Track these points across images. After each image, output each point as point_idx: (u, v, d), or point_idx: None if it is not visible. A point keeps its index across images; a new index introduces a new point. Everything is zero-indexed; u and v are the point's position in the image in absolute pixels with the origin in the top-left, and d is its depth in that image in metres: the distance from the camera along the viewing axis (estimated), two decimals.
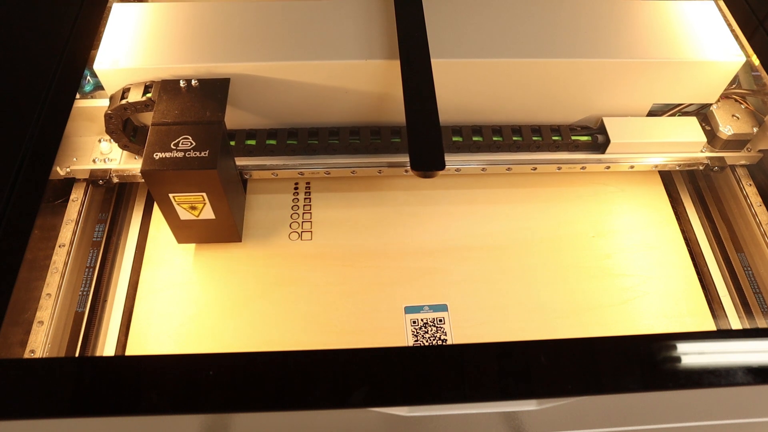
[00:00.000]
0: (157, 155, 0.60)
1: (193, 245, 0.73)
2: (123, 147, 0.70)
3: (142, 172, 0.60)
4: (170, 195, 0.63)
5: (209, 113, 0.63)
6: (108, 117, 0.66)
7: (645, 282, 0.72)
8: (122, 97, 0.65)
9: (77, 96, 0.70)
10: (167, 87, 0.65)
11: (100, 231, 0.75)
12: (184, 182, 0.61)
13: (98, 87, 0.72)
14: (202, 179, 0.61)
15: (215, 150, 0.60)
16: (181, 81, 0.65)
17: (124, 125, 0.67)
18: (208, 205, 0.64)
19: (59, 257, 0.66)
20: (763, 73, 0.71)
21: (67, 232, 0.68)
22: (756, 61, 0.71)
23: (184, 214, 0.66)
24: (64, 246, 0.67)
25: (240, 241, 0.72)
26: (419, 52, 0.64)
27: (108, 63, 0.65)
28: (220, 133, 0.62)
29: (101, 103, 0.71)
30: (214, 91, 0.65)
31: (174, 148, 0.60)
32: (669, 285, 0.72)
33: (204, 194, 0.63)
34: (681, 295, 0.72)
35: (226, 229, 0.69)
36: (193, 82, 0.65)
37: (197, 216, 0.66)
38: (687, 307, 0.71)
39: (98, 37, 0.68)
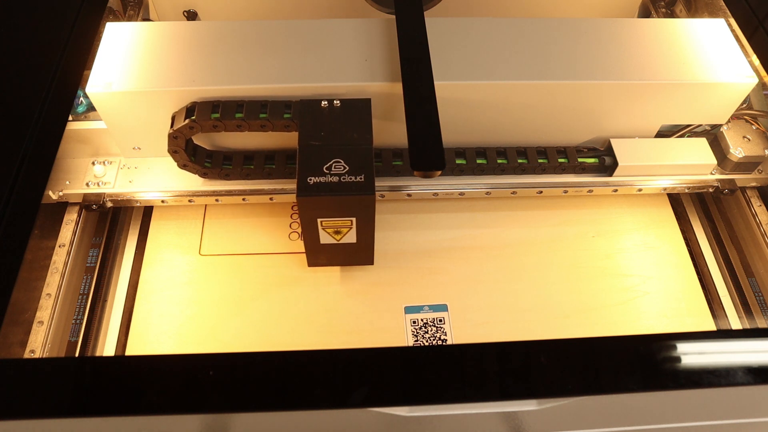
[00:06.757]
0: (311, 180, 0.58)
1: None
2: (182, 166, 0.68)
3: (298, 198, 0.58)
4: (318, 220, 0.61)
5: (357, 135, 0.61)
6: (173, 136, 0.64)
7: (645, 282, 0.72)
8: (187, 116, 0.63)
9: (70, 117, 0.68)
10: (307, 107, 0.63)
11: (98, 240, 0.75)
12: (337, 207, 0.60)
13: (91, 108, 0.70)
14: (357, 204, 0.59)
15: (371, 173, 0.59)
16: (322, 101, 0.63)
17: (186, 145, 0.66)
18: (353, 230, 0.63)
19: (59, 257, 0.66)
20: (763, 72, 0.70)
21: (67, 233, 0.68)
22: (756, 61, 0.71)
23: (325, 238, 0.64)
24: (64, 246, 0.67)
25: (372, 264, 0.70)
26: (420, 55, 0.63)
27: (101, 86, 0.63)
28: (372, 155, 0.61)
29: (95, 125, 0.69)
30: (356, 111, 0.63)
31: (327, 172, 0.59)
32: (669, 285, 0.72)
33: (354, 219, 0.61)
34: (681, 295, 0.72)
35: (362, 252, 0.68)
36: (335, 102, 0.63)
37: (339, 240, 0.64)
38: (687, 307, 0.71)
39: (92, 57, 0.66)
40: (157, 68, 0.65)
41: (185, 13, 0.89)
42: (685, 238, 0.77)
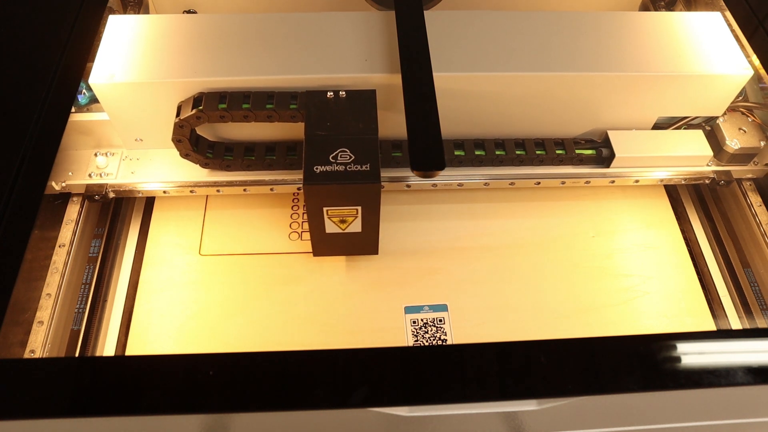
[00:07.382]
0: (317, 169, 0.59)
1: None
2: (184, 156, 0.68)
3: (304, 186, 0.59)
4: (324, 209, 0.62)
5: (362, 125, 0.62)
6: (179, 125, 0.64)
7: (645, 282, 0.72)
8: (194, 106, 0.63)
9: (73, 109, 0.69)
10: (313, 98, 0.64)
11: (101, 230, 0.75)
12: (343, 196, 0.61)
13: (94, 100, 0.70)
14: (363, 193, 0.60)
15: (376, 163, 0.60)
16: (328, 92, 0.64)
17: (190, 134, 0.66)
18: (358, 219, 0.64)
19: (59, 257, 0.66)
20: (763, 73, 0.70)
21: (67, 233, 0.68)
22: (756, 61, 0.71)
23: (331, 227, 0.65)
24: (64, 246, 0.67)
25: (377, 253, 0.71)
26: (420, 55, 0.63)
27: (104, 77, 0.63)
28: (378, 145, 0.61)
29: (97, 117, 0.69)
30: (362, 102, 0.64)
31: (333, 161, 0.60)
32: (669, 285, 0.72)
33: (359, 207, 0.62)
34: (681, 295, 0.72)
35: (367, 242, 0.68)
36: (340, 93, 0.64)
37: (344, 229, 0.65)
38: (687, 307, 0.71)
39: (95, 49, 0.66)
40: (160, 60, 0.65)
41: (185, 13, 0.89)
42: (685, 238, 0.77)
